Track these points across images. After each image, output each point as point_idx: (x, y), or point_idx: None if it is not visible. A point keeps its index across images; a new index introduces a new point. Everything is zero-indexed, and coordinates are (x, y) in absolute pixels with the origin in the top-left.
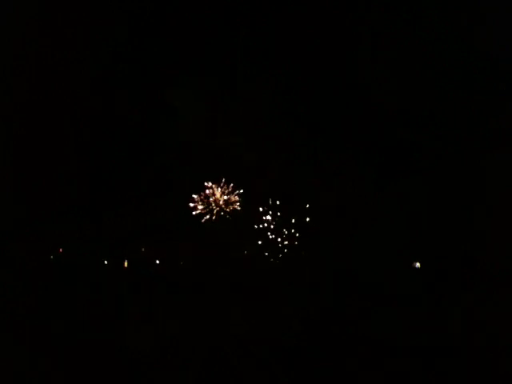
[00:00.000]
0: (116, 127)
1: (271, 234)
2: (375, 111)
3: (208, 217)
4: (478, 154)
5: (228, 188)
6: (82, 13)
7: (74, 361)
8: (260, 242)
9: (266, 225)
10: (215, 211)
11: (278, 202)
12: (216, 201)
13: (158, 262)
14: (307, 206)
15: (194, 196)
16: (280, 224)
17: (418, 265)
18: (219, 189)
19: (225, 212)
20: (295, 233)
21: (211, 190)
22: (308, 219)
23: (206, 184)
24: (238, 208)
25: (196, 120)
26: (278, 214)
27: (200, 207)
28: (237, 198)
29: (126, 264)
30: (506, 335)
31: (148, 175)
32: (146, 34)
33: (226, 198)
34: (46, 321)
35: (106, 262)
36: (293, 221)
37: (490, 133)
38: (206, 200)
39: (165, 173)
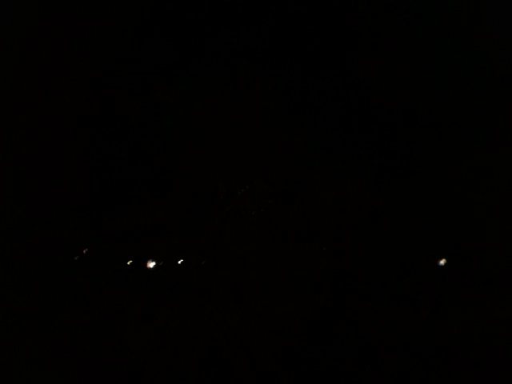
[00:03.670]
0: (116, 127)
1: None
2: (375, 111)
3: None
4: (477, 154)
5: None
6: (82, 12)
7: (73, 361)
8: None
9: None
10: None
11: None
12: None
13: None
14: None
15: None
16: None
17: (442, 262)
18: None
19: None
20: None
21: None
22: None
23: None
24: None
25: (196, 120)
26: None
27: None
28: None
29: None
30: (506, 335)
31: (148, 175)
32: (145, 33)
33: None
34: (45, 321)
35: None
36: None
37: (490, 133)
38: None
39: (165, 173)
